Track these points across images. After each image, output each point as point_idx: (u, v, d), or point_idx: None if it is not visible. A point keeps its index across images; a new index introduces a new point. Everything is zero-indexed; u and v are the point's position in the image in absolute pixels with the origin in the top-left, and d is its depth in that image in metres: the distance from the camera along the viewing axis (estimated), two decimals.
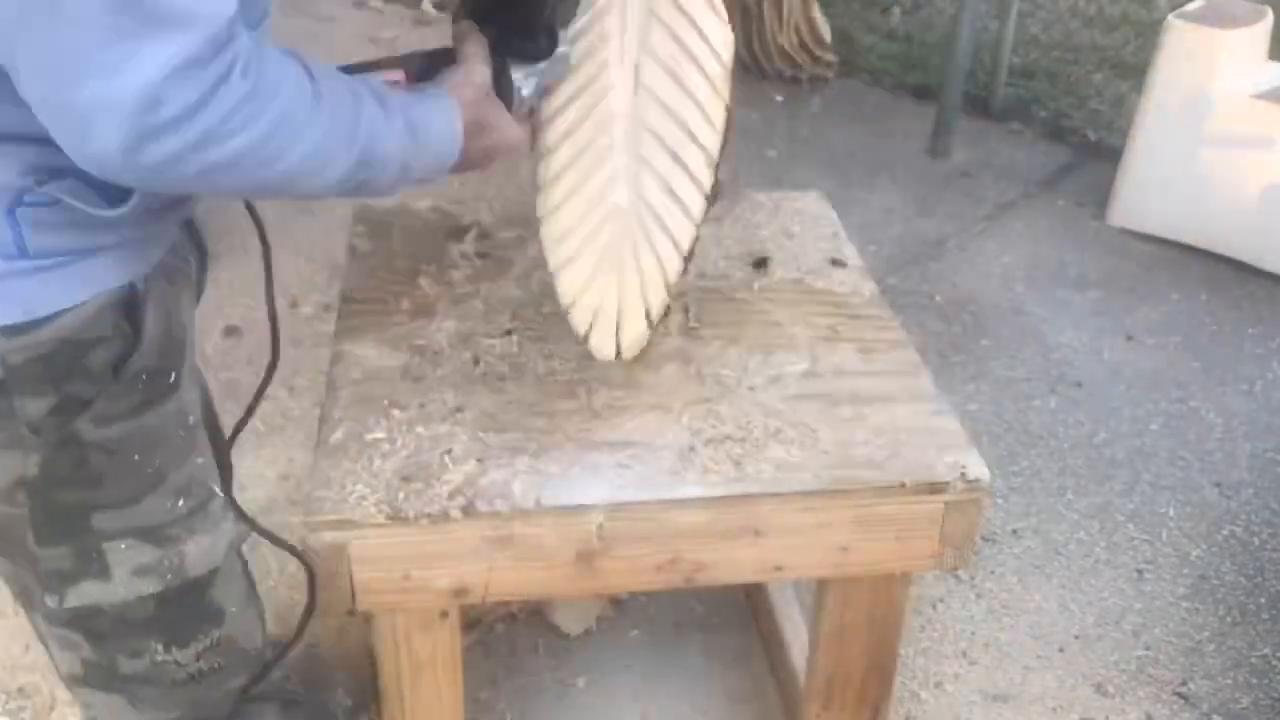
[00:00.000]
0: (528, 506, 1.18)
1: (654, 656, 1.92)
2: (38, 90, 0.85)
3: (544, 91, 1.27)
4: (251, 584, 1.24)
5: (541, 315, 1.44)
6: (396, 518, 1.16)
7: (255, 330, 2.67)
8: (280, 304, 2.98)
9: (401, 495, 1.17)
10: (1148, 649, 2.01)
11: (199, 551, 1.11)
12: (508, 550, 1.19)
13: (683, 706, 1.84)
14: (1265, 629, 2.05)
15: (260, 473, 2.20)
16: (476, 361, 1.38)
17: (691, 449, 1.25)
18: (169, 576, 1.10)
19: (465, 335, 1.42)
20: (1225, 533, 2.26)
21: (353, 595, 1.20)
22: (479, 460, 1.22)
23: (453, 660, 1.33)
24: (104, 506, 1.05)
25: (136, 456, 1.06)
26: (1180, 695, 1.92)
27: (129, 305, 1.04)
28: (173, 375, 1.08)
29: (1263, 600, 2.11)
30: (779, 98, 4.02)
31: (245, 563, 1.22)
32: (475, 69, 1.18)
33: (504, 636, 1.93)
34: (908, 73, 4.18)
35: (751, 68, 4.11)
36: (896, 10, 4.64)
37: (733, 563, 1.25)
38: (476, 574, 1.20)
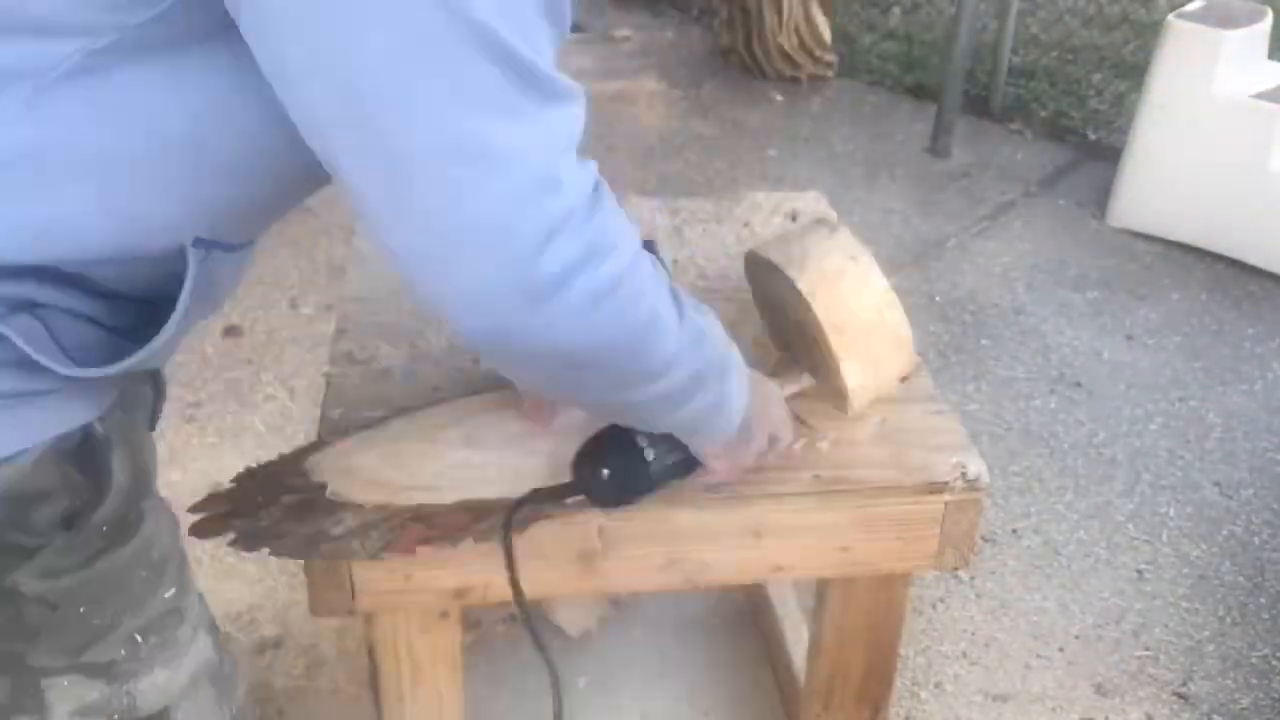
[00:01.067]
0: None
1: (654, 656, 1.92)
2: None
3: None
4: (224, 706, 1.06)
5: None
6: None
7: (255, 330, 2.67)
8: (280, 304, 3.00)
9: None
10: (1148, 649, 2.01)
11: (154, 688, 0.97)
12: None
13: (683, 706, 1.84)
14: (1265, 629, 2.05)
15: None
16: (477, 361, 1.38)
17: None
18: (115, 718, 0.96)
19: None
20: (1225, 533, 2.26)
21: (353, 595, 1.20)
22: None
23: (453, 660, 1.33)
24: (43, 652, 0.92)
25: (83, 609, 0.91)
26: (1180, 695, 1.92)
27: (85, 452, 0.89)
28: (136, 515, 0.94)
29: (1263, 600, 2.11)
30: (779, 98, 4.03)
31: (228, 680, 1.06)
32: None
33: (504, 636, 1.93)
34: (908, 73, 4.18)
35: (751, 68, 4.12)
36: (896, 10, 4.64)
37: (733, 563, 1.25)
38: (477, 574, 1.20)
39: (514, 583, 1.11)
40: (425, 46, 0.71)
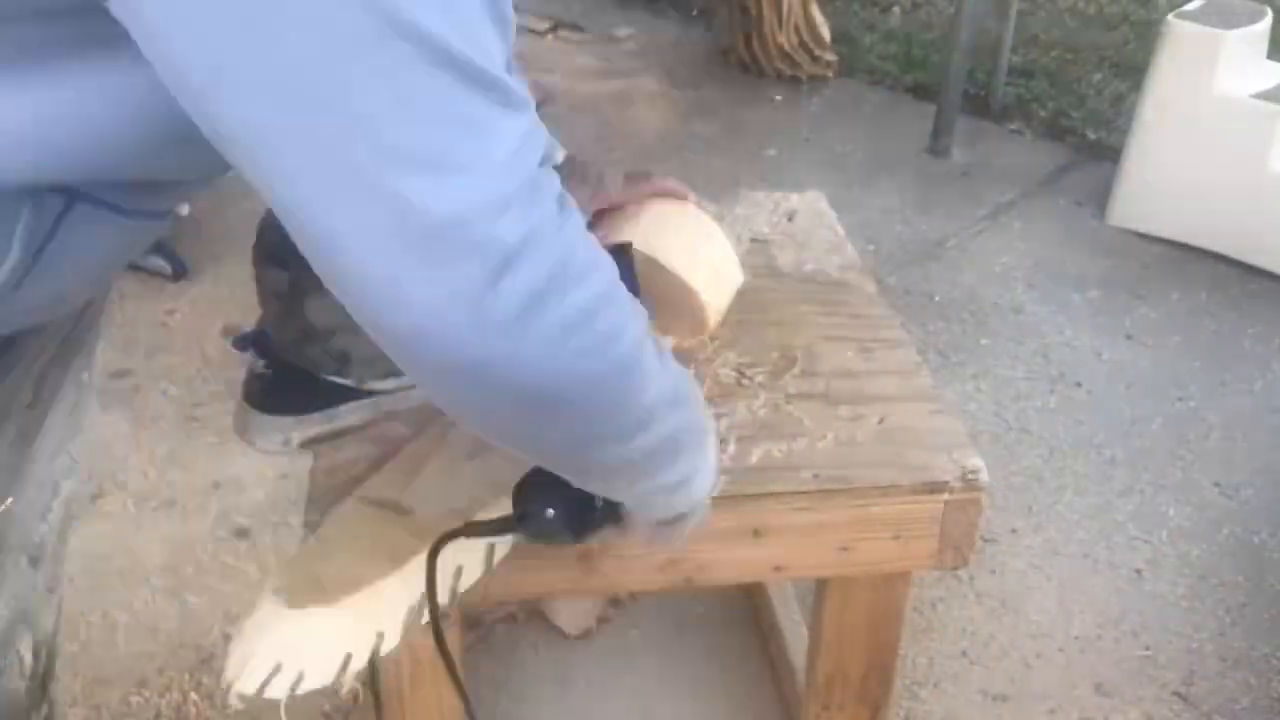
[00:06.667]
0: None
1: (654, 656, 1.92)
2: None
3: None
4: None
5: None
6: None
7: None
8: None
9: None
10: (1148, 649, 2.00)
11: None
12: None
13: (683, 706, 1.84)
14: (1265, 629, 2.05)
15: (261, 472, 2.20)
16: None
17: None
18: None
19: None
20: (1225, 533, 2.26)
21: None
22: None
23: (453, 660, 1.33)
24: None
25: None
26: (1180, 695, 1.92)
27: None
28: None
29: (1262, 600, 2.11)
30: (779, 98, 4.03)
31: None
32: None
33: (504, 636, 1.93)
34: (908, 72, 4.18)
35: (751, 67, 4.12)
36: (896, 10, 4.64)
37: (733, 563, 1.25)
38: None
39: (434, 615, 1.02)
40: (356, 48, 0.62)
